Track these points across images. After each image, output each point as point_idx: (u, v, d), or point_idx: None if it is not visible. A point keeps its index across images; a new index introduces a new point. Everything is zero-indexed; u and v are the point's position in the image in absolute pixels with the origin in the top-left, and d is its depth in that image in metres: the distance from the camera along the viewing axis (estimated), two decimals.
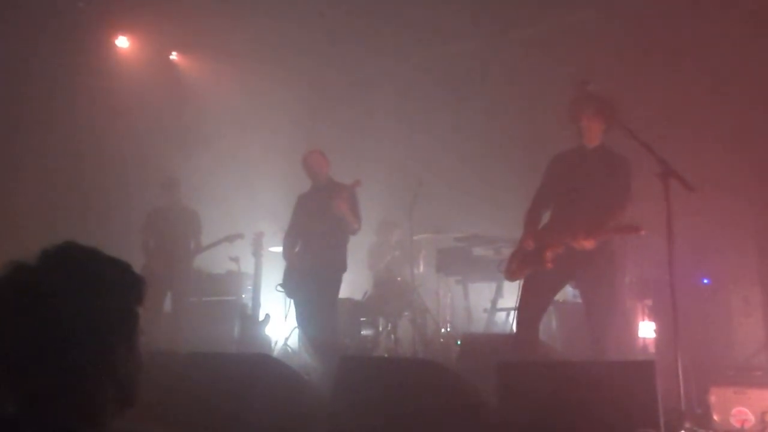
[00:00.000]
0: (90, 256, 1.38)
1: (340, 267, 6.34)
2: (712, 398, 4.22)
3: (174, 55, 9.87)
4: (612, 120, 4.74)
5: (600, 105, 4.76)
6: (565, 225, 4.80)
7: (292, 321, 7.64)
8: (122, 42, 9.28)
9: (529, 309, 4.92)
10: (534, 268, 4.86)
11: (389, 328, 7.52)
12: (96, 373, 1.33)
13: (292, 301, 6.60)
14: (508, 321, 7.54)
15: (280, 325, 7.74)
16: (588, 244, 4.59)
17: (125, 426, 1.43)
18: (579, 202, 4.86)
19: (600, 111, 4.76)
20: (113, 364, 1.36)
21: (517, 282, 5.83)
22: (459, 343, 6.78)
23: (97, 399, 1.34)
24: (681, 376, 3.84)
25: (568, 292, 6.72)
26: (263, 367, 4.61)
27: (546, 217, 5.15)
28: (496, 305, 7.52)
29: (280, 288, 6.57)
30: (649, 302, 5.97)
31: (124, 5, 8.40)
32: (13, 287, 1.31)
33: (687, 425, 3.78)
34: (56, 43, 8.27)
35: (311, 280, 6.22)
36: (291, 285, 6.43)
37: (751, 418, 4.15)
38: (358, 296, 7.90)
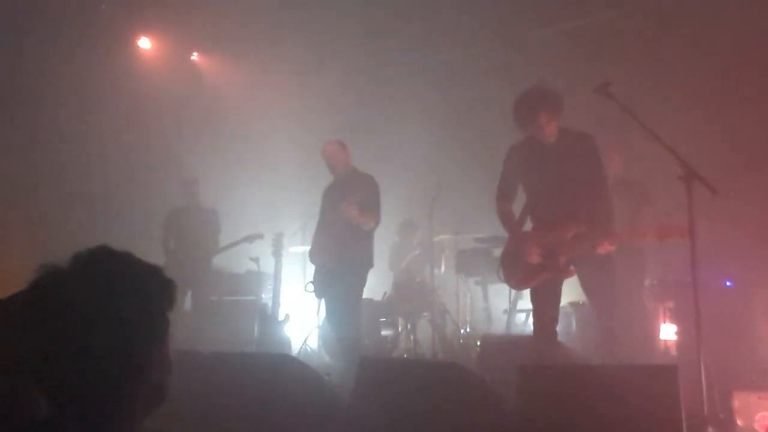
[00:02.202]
0: (125, 260, 1.40)
1: (365, 264, 6.18)
2: (736, 403, 4.17)
3: (195, 56, 9.93)
4: (562, 109, 4.74)
5: (552, 104, 4.74)
6: (561, 222, 4.76)
7: (312, 321, 7.66)
8: (144, 43, 9.36)
9: (545, 312, 4.89)
10: (551, 275, 4.80)
11: (408, 328, 7.53)
12: (129, 376, 1.35)
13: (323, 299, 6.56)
14: (527, 322, 7.54)
15: (302, 325, 7.78)
16: (611, 248, 4.60)
17: (149, 425, 1.44)
18: (560, 194, 4.81)
19: (554, 110, 4.74)
20: (146, 368, 1.38)
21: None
22: (479, 344, 6.78)
23: (130, 402, 1.36)
24: (704, 380, 3.82)
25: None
26: (285, 367, 4.63)
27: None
28: (516, 306, 7.52)
29: (310, 287, 6.48)
30: (670, 304, 5.94)
31: (146, 7, 8.47)
32: (48, 291, 1.32)
33: (710, 430, 3.75)
34: (79, 44, 8.35)
35: (337, 277, 6.11)
36: (319, 284, 6.32)
37: None
38: (378, 297, 7.91)
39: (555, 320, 4.92)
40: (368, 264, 6.22)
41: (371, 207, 6.09)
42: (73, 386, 1.31)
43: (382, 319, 7.67)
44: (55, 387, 1.32)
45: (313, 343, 7.91)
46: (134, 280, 1.39)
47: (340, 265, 6.11)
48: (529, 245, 4.81)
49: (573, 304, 6.60)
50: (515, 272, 4.95)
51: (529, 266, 4.82)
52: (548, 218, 4.88)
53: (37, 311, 1.33)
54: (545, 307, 4.89)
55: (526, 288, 5.05)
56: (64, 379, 1.31)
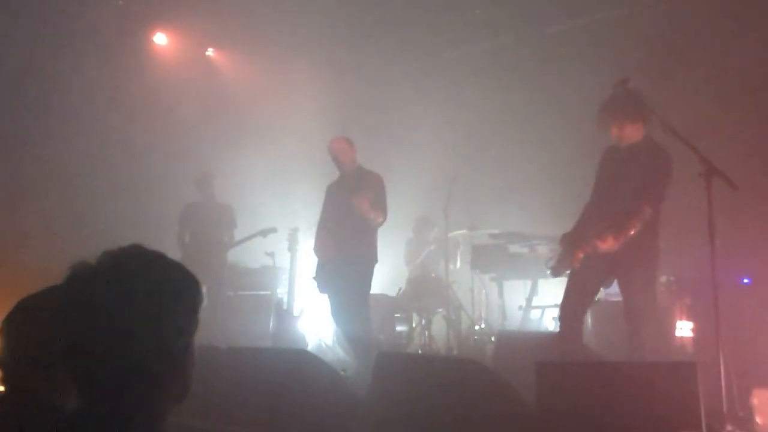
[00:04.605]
0: (158, 258, 1.41)
1: (370, 259, 6.20)
2: (755, 401, 4.15)
3: (210, 51, 9.95)
4: (644, 116, 4.70)
5: (618, 112, 4.73)
6: (597, 222, 4.79)
7: (327, 316, 7.66)
8: (160, 38, 9.39)
9: (568, 305, 4.91)
10: (567, 267, 4.89)
11: (423, 324, 7.52)
12: (161, 372, 1.36)
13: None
14: (542, 319, 7.51)
15: (318, 319, 7.79)
16: (604, 246, 4.56)
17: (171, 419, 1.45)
18: (610, 199, 4.85)
19: (621, 118, 4.73)
20: (178, 364, 1.39)
21: (553, 279, 5.85)
22: (493, 340, 6.76)
23: (159, 396, 1.38)
24: (723, 378, 3.79)
25: (601, 291, 6.66)
26: (301, 362, 4.64)
27: None
28: (531, 303, 7.48)
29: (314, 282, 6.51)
30: (687, 301, 5.89)
31: (162, 2, 8.49)
32: (84, 287, 1.33)
33: (729, 428, 3.73)
34: (95, 39, 8.39)
35: (341, 273, 6.13)
36: (322, 279, 6.32)
37: None
38: (392, 292, 7.91)
39: (575, 313, 4.92)
40: (374, 259, 6.24)
41: (379, 204, 6.13)
42: (105, 379, 1.32)
43: (396, 315, 7.67)
44: (88, 379, 1.33)
45: (329, 338, 7.92)
46: (167, 279, 1.40)
47: (346, 261, 6.12)
48: (564, 237, 4.97)
49: None
50: (554, 263, 5.11)
51: (558, 258, 4.98)
52: (593, 219, 4.95)
53: (73, 306, 1.34)
54: (567, 300, 4.95)
55: (555, 276, 5.17)
56: (96, 373, 1.32)
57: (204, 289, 7.49)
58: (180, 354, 1.39)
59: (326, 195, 6.53)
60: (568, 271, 5.01)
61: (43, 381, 1.58)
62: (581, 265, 4.76)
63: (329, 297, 6.37)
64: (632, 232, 4.55)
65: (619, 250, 4.59)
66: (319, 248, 6.38)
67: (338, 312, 6.34)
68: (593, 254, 4.69)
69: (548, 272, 5.21)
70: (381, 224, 6.19)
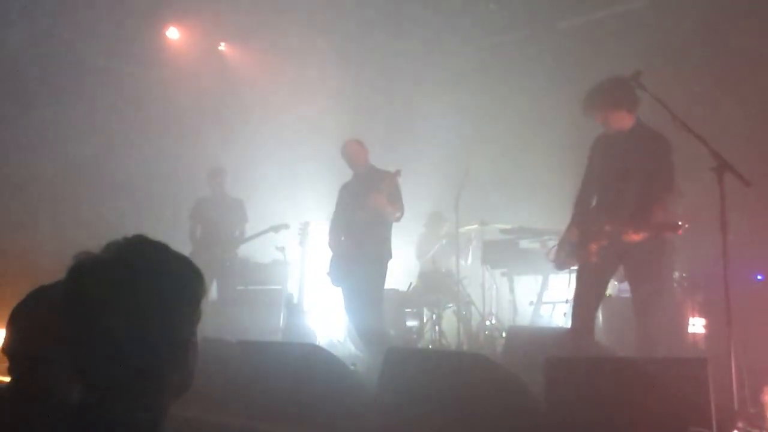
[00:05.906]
0: (161, 249, 1.41)
1: (384, 255, 6.35)
2: (766, 398, 4.12)
3: (222, 46, 9.96)
4: (627, 103, 4.66)
5: (603, 99, 4.70)
6: (609, 212, 4.73)
7: (338, 311, 7.69)
8: (172, 33, 9.40)
9: (581, 300, 4.88)
10: (580, 260, 4.84)
11: (434, 319, 7.52)
12: (163, 363, 1.36)
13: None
14: (553, 314, 7.49)
15: (329, 314, 7.82)
16: (636, 238, 4.52)
17: (175, 411, 1.45)
18: (619, 186, 4.78)
19: (606, 105, 4.70)
20: (180, 355, 1.39)
21: (564, 275, 5.82)
22: (504, 335, 6.75)
23: (162, 388, 1.37)
24: (734, 375, 3.77)
25: (614, 286, 6.64)
26: (311, 357, 4.65)
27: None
28: (542, 298, 7.48)
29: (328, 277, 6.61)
30: (699, 298, 5.86)
31: None
32: (85, 278, 1.33)
33: (740, 425, 3.70)
34: (108, 33, 8.41)
35: (356, 269, 6.27)
36: (336, 274, 6.48)
37: None
38: (403, 287, 7.91)
39: (590, 307, 4.88)
40: (388, 255, 6.37)
41: (396, 198, 6.27)
42: (108, 371, 1.32)
43: (407, 310, 7.68)
44: (89, 370, 1.33)
45: (339, 333, 7.93)
46: (171, 269, 1.39)
47: (361, 257, 6.25)
48: (571, 224, 4.93)
49: None
50: (558, 255, 5.06)
51: (568, 251, 4.92)
52: (598, 206, 4.92)
53: (73, 297, 1.34)
54: (581, 294, 4.89)
55: (562, 269, 5.18)
56: (100, 364, 1.32)
57: (214, 284, 7.60)
58: (182, 345, 1.39)
59: (339, 195, 6.67)
60: (574, 267, 4.99)
61: (48, 372, 1.59)
62: (591, 259, 4.73)
63: (343, 291, 6.50)
64: (651, 231, 4.51)
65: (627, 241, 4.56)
66: (334, 244, 6.50)
67: (351, 307, 6.47)
68: (605, 247, 4.65)
69: (551, 263, 5.17)
70: (399, 219, 6.35)
